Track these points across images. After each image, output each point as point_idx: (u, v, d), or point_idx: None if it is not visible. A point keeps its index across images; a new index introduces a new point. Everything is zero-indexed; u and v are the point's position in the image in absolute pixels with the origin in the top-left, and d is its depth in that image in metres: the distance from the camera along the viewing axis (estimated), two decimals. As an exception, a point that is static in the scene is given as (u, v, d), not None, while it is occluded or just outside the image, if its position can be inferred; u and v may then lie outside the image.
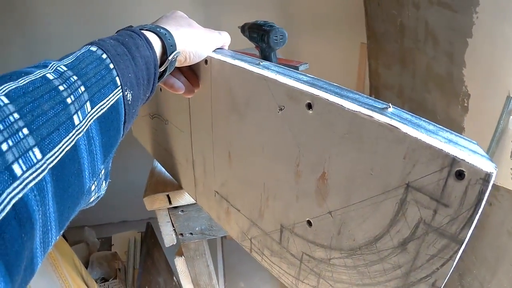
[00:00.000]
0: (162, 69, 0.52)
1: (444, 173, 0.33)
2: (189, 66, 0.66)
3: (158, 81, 0.53)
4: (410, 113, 0.38)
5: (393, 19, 1.55)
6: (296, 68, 1.25)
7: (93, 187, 0.39)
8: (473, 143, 0.34)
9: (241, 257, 1.78)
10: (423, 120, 0.37)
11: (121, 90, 0.41)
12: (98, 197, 0.43)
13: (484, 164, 0.31)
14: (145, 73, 0.47)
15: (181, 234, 1.04)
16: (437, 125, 0.37)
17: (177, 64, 0.58)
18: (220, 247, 1.87)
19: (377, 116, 0.37)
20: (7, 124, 0.27)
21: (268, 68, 0.54)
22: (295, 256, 0.59)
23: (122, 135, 0.44)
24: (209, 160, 0.75)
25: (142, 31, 0.50)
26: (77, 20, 1.95)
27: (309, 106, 0.45)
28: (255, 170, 0.61)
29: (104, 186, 0.44)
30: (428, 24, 1.28)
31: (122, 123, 0.43)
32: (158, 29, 0.51)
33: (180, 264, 1.14)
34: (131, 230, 1.84)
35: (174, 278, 1.64)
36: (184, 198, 0.98)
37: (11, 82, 0.30)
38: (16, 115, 0.28)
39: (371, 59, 1.97)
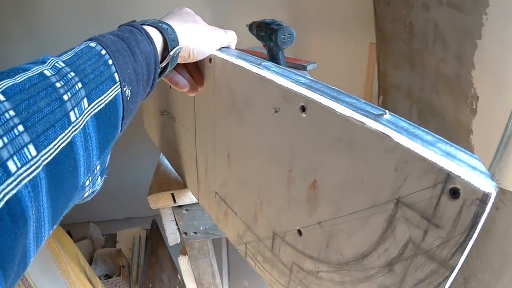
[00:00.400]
0: (163, 64, 0.50)
1: (438, 189, 0.28)
2: (195, 64, 0.64)
3: (159, 77, 0.51)
4: (408, 122, 0.34)
5: (402, 20, 1.51)
6: (304, 67, 1.22)
7: (87, 183, 0.38)
8: (474, 157, 0.29)
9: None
10: (421, 130, 0.33)
11: (119, 86, 0.40)
12: (93, 192, 0.42)
13: (483, 183, 0.26)
14: (145, 68, 0.45)
15: (185, 233, 1.01)
16: (436, 136, 0.32)
17: (181, 61, 0.55)
18: (225, 245, 1.82)
19: (369, 123, 0.33)
20: (3, 121, 0.27)
21: (268, 69, 0.50)
22: (285, 265, 0.55)
23: (121, 131, 0.43)
24: (211, 160, 0.72)
25: (144, 26, 0.48)
26: (84, 17, 1.92)
27: (303, 109, 0.41)
28: (251, 173, 0.57)
29: (99, 181, 0.42)
30: (437, 25, 1.24)
31: (120, 119, 0.41)
32: (160, 24, 0.49)
33: (183, 263, 1.10)
34: (136, 227, 1.79)
35: (178, 276, 1.60)
36: (188, 197, 0.95)
37: (8, 79, 0.29)
38: (11, 112, 0.27)
39: (380, 59, 1.91)
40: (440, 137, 0.32)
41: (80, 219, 2.10)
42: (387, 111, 0.35)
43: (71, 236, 1.38)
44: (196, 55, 0.56)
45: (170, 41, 0.49)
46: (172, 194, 0.95)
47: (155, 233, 1.59)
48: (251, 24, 0.96)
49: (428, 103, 1.39)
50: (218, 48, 0.61)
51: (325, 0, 1.90)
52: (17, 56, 1.97)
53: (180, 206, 0.97)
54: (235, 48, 0.65)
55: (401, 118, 0.34)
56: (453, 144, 0.31)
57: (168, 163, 1.05)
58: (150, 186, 0.98)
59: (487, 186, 0.26)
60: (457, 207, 0.27)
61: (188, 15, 0.57)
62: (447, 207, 0.28)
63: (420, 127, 0.33)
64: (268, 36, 0.91)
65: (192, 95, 0.65)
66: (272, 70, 0.49)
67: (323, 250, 0.44)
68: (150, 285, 1.29)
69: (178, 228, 1.00)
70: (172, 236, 1.01)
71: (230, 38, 0.63)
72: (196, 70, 0.64)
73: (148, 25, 0.49)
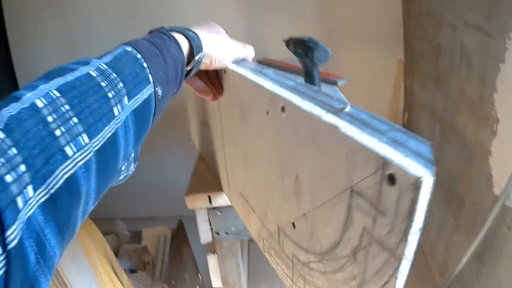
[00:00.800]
0: (189, 68, 0.51)
1: (378, 176, 0.26)
2: (216, 75, 0.65)
3: (185, 79, 0.52)
4: (369, 113, 0.32)
5: (430, 39, 1.45)
6: (335, 82, 1.20)
7: (123, 168, 0.41)
8: (424, 144, 0.26)
9: (265, 260, 1.70)
10: (379, 120, 0.30)
11: (153, 86, 0.41)
12: (126, 176, 0.44)
13: (417, 168, 0.23)
14: (173, 71, 0.46)
15: (217, 233, 1.00)
16: (394, 125, 0.29)
17: (203, 67, 0.56)
18: (247, 249, 1.76)
19: (325, 116, 0.31)
20: (60, 114, 0.29)
21: (265, 75, 0.50)
22: (288, 258, 0.54)
23: (152, 124, 0.45)
24: (235, 163, 0.72)
25: (172, 32, 0.49)
26: (116, 16, 1.88)
27: (283, 109, 0.40)
28: (259, 172, 0.58)
29: (132, 167, 0.45)
30: (463, 46, 1.18)
31: (152, 114, 0.43)
32: (187, 31, 0.51)
33: (212, 261, 1.09)
34: (161, 225, 1.70)
35: (199, 275, 1.57)
36: (223, 199, 0.95)
37: (60, 77, 0.31)
38: (67, 107, 0.30)
39: (407, 76, 1.83)
40: (397, 127, 0.29)
41: (106, 214, 1.94)
42: (349, 104, 0.33)
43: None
44: (217, 63, 0.57)
45: (195, 47, 0.50)
46: (209, 196, 0.96)
47: (180, 233, 1.55)
48: (288, 40, 0.95)
49: (450, 123, 1.32)
50: (236, 59, 0.61)
51: (357, 16, 1.81)
52: (47, 50, 1.96)
53: (214, 208, 0.97)
54: (272, 61, 0.65)
55: (364, 110, 0.32)
56: (408, 132, 0.28)
57: (205, 166, 1.06)
58: (188, 187, 0.98)
59: (420, 171, 0.23)
60: (396, 194, 0.25)
61: (213, 27, 0.59)
62: (388, 194, 0.26)
63: (380, 117, 0.31)
64: (304, 53, 0.89)
65: (214, 103, 0.67)
66: (268, 77, 0.49)
67: (310, 241, 0.43)
68: (173, 282, 1.26)
69: (211, 228, 1.00)
70: (204, 235, 1.01)
71: (247, 51, 0.63)
72: (217, 81, 0.66)
73: (176, 31, 0.50)
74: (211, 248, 1.10)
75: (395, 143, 0.26)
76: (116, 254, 1.46)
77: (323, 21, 1.86)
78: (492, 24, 0.99)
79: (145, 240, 1.58)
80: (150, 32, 0.50)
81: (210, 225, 0.99)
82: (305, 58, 0.90)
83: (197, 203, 0.96)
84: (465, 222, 1.19)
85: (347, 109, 0.32)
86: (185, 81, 0.62)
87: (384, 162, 0.25)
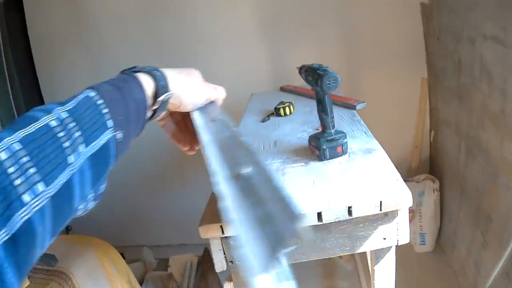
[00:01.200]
0: (154, 107, 0.50)
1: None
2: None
3: (152, 119, 0.52)
4: (269, 174, 0.29)
5: (451, 55, 1.40)
6: (354, 107, 1.16)
7: (81, 207, 0.41)
8: (294, 222, 0.23)
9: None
10: (273, 185, 0.27)
11: (112, 131, 0.42)
12: (85, 211, 0.44)
13: (255, 266, 0.21)
14: (135, 114, 0.46)
15: (231, 262, 0.98)
16: (282, 193, 0.27)
17: (172, 108, 0.55)
18: None
19: (221, 185, 0.29)
20: (20, 165, 0.31)
21: (215, 121, 0.48)
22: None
23: (114, 164, 0.45)
24: None
25: (139, 73, 0.49)
26: (140, 47, 1.88)
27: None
28: None
29: (91, 205, 0.44)
30: (483, 60, 1.13)
31: (113, 156, 0.43)
32: (154, 71, 0.50)
33: None
34: (189, 253, 1.68)
35: None
36: (235, 229, 0.93)
37: (23, 129, 0.34)
38: (26, 158, 0.32)
39: (431, 94, 1.77)
40: (282, 195, 0.26)
41: (135, 242, 2.04)
42: (251, 168, 0.30)
43: (124, 258, 1.35)
44: (186, 105, 0.56)
45: (160, 88, 0.49)
46: (221, 226, 0.94)
47: (206, 260, 1.54)
48: (300, 68, 0.93)
49: (475, 139, 1.26)
50: (205, 101, 0.59)
51: (378, 36, 1.74)
52: (73, 79, 2.00)
53: (227, 237, 0.95)
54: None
55: (266, 170, 0.29)
56: (290, 203, 0.25)
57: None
58: (202, 217, 0.97)
59: (256, 269, 0.21)
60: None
61: (186, 70, 0.57)
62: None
63: (277, 181, 0.28)
64: (314, 81, 0.87)
65: (190, 153, 0.64)
66: (213, 127, 0.47)
67: None
68: (198, 308, 1.23)
69: (225, 257, 0.98)
70: (219, 263, 0.99)
71: (218, 94, 0.61)
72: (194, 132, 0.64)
73: (144, 72, 0.50)
74: (228, 276, 1.07)
75: (264, 220, 0.24)
76: (142, 280, 1.48)
77: (345, 44, 1.81)
78: (509, 34, 0.95)
79: (172, 267, 1.57)
80: (122, 72, 0.50)
81: (224, 254, 0.97)
82: (315, 85, 0.87)
83: (210, 233, 0.95)
84: (493, 238, 1.13)
85: (247, 171, 0.30)
86: (162, 127, 0.61)
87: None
